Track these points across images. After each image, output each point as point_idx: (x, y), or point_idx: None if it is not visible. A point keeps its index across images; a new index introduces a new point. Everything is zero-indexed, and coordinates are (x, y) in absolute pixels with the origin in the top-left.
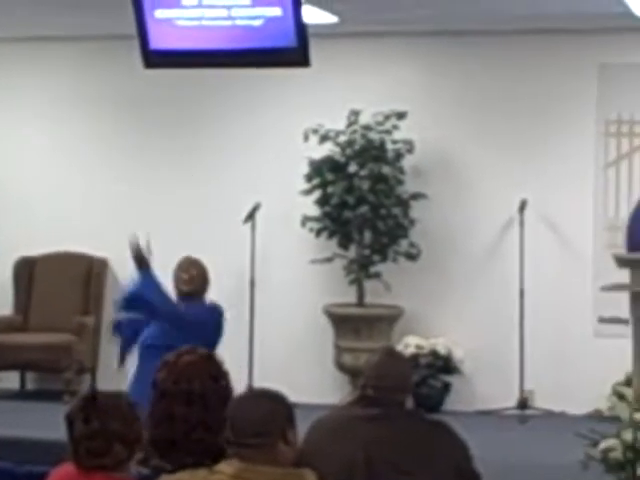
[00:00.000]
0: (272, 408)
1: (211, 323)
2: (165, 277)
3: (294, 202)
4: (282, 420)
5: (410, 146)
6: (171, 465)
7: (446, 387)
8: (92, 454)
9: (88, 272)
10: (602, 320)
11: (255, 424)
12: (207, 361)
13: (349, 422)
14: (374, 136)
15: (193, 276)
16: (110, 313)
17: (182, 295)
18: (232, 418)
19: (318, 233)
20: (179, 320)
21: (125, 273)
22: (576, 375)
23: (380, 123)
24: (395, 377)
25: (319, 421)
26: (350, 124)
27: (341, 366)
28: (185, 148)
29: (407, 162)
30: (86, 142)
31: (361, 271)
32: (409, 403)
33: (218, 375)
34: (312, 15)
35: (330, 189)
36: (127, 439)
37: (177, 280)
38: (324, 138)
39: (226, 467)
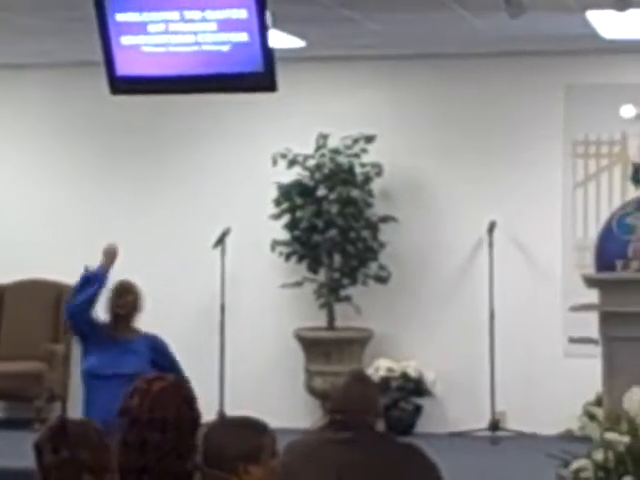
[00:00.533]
0: (242, 438)
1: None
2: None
3: (263, 227)
4: (258, 447)
5: (379, 169)
6: None
7: (417, 410)
8: None
9: (58, 299)
10: (572, 340)
11: (223, 456)
12: (179, 387)
13: (320, 446)
14: (343, 160)
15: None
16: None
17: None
18: (204, 448)
19: (287, 257)
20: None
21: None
22: (547, 395)
23: (349, 147)
24: (362, 400)
25: (290, 445)
26: (318, 148)
27: (312, 390)
28: (154, 173)
29: (376, 185)
30: (55, 170)
31: (331, 295)
32: (380, 426)
33: (192, 401)
34: (279, 39)
35: (299, 213)
36: (96, 468)
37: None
38: (292, 162)
39: None
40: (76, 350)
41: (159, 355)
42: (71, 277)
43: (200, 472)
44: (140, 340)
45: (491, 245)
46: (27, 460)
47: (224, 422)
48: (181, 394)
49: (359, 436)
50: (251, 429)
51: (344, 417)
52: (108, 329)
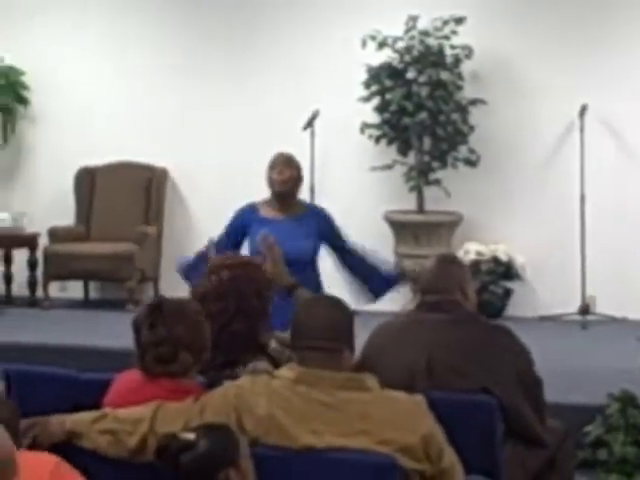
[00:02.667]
0: (341, 315)
1: None
2: (227, 185)
3: (353, 109)
4: (349, 328)
5: (469, 51)
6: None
7: (507, 293)
8: (159, 360)
9: (149, 182)
10: None
11: (325, 329)
12: (246, 267)
13: (411, 327)
14: (432, 42)
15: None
16: (170, 224)
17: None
18: (300, 322)
19: (377, 140)
20: None
21: (185, 183)
22: (637, 280)
23: (438, 29)
24: (453, 282)
25: (381, 327)
26: (408, 30)
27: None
28: (243, 58)
29: (466, 68)
30: (148, 53)
31: (420, 178)
32: (473, 308)
33: (247, 263)
34: None
35: (388, 96)
36: (193, 346)
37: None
38: (382, 44)
39: (287, 372)
40: (167, 231)
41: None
42: (160, 160)
43: (299, 349)
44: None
45: (582, 129)
46: (120, 340)
47: (317, 300)
48: (234, 264)
49: (448, 315)
50: (341, 306)
51: (435, 298)
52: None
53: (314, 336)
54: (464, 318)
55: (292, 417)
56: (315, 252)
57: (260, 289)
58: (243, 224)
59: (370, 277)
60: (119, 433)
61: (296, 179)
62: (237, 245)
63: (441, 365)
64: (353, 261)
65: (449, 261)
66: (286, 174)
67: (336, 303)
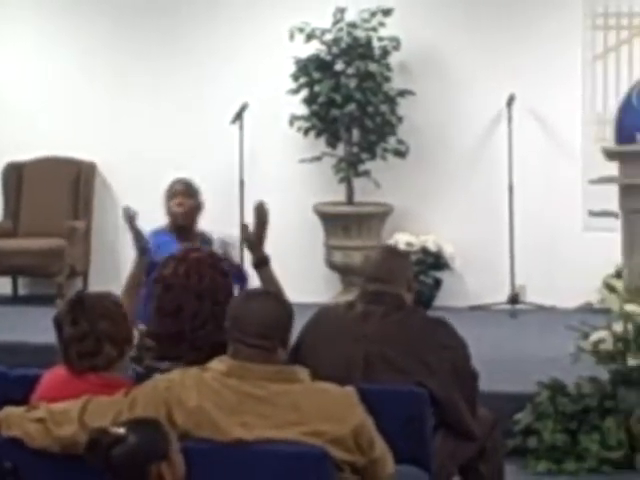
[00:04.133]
0: (278, 312)
1: None
2: (156, 179)
3: (281, 101)
4: (286, 325)
5: (397, 43)
6: (174, 360)
7: (437, 283)
8: (83, 355)
9: (77, 176)
10: (592, 214)
11: (261, 326)
12: (215, 259)
13: (348, 318)
14: (360, 34)
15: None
16: (99, 218)
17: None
18: (236, 316)
19: (306, 132)
20: None
21: (113, 177)
22: (566, 269)
23: (366, 20)
24: (394, 272)
25: (317, 317)
26: (336, 22)
27: (332, 264)
28: (170, 51)
29: (394, 59)
30: (74, 48)
31: (350, 169)
32: (410, 301)
33: (226, 272)
34: None
35: (317, 88)
36: (116, 339)
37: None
38: (310, 37)
39: (218, 364)
40: (96, 226)
41: None
42: (88, 154)
43: (234, 343)
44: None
45: (510, 119)
46: (50, 335)
47: (256, 294)
48: (217, 265)
49: (388, 309)
50: (280, 301)
51: (376, 287)
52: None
53: (248, 332)
54: (404, 312)
55: (222, 410)
56: None
57: (217, 294)
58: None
59: None
60: (49, 422)
61: (196, 208)
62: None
63: (378, 359)
64: None
65: (396, 253)
66: (186, 205)
67: (274, 299)
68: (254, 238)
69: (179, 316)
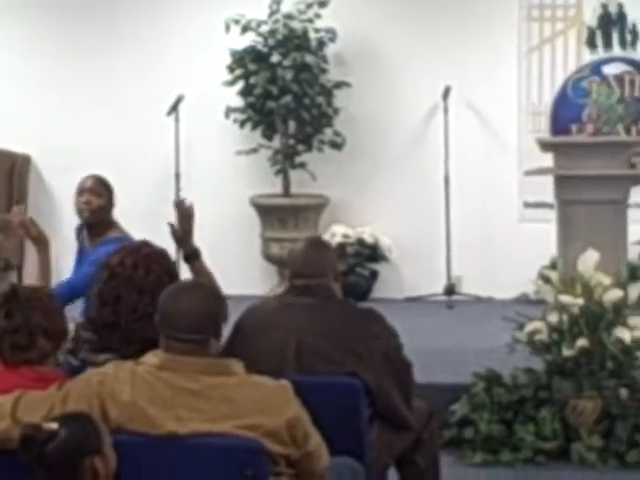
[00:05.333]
0: (210, 304)
1: None
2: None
3: (217, 93)
4: (217, 317)
5: (333, 34)
6: (108, 351)
7: (374, 275)
8: (16, 348)
9: (11, 169)
10: (527, 205)
11: (192, 320)
12: (165, 256)
13: (281, 311)
14: (296, 25)
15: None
16: (33, 211)
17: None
18: (166, 310)
19: (242, 124)
20: None
21: (48, 169)
22: (502, 260)
23: (302, 12)
24: (320, 265)
25: (250, 311)
26: (272, 13)
27: (268, 256)
28: (105, 43)
29: (330, 51)
30: (7, 40)
31: (286, 161)
32: (338, 292)
33: (174, 274)
34: None
35: (253, 80)
36: (50, 332)
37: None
38: (246, 28)
39: (151, 358)
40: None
41: None
42: (24, 146)
43: (165, 337)
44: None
45: (446, 110)
46: None
47: (186, 287)
48: (165, 264)
49: (319, 301)
50: (211, 294)
51: (304, 282)
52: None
53: (179, 327)
54: (334, 303)
55: (156, 404)
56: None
57: (158, 289)
58: None
59: None
60: None
61: (104, 207)
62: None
63: (310, 350)
64: None
65: (319, 245)
66: (94, 203)
67: (203, 291)
68: (180, 234)
69: (117, 306)
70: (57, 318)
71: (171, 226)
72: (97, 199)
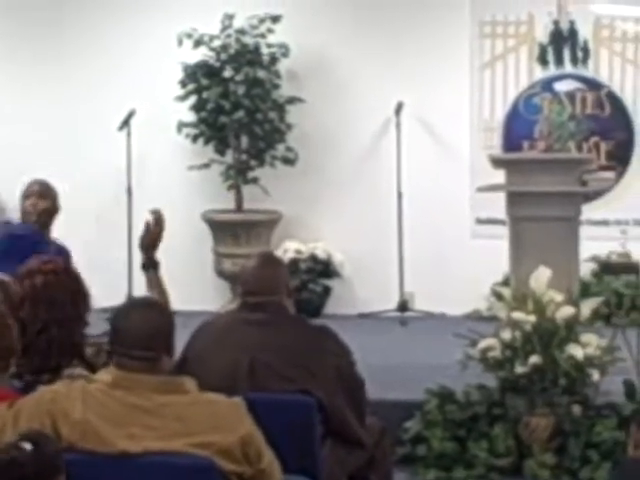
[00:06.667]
0: (159, 321)
1: None
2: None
3: (169, 108)
4: (167, 333)
5: (285, 50)
6: (31, 372)
7: (326, 291)
8: None
9: None
10: (479, 221)
11: (143, 338)
12: (68, 268)
13: (233, 328)
14: (249, 40)
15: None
16: None
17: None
18: (118, 328)
19: (194, 139)
20: None
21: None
22: (455, 276)
23: (254, 27)
24: (273, 282)
25: (203, 327)
26: (224, 28)
27: (221, 272)
28: (55, 55)
29: (282, 66)
30: None
31: (239, 176)
32: (291, 307)
33: (63, 270)
34: None
35: (205, 94)
36: (1, 351)
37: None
38: (198, 43)
39: (104, 376)
40: None
41: None
42: None
43: (116, 355)
44: None
45: (398, 126)
46: None
47: (135, 304)
48: (46, 268)
49: (272, 318)
50: (159, 310)
51: (256, 300)
52: None
53: (130, 344)
54: (287, 320)
55: (108, 422)
56: None
57: (75, 297)
58: None
59: None
60: None
61: (50, 211)
62: None
63: (263, 367)
64: None
65: (271, 262)
66: (40, 206)
67: (154, 308)
68: (149, 240)
69: (22, 328)
70: (7, 336)
71: (147, 226)
72: (43, 202)
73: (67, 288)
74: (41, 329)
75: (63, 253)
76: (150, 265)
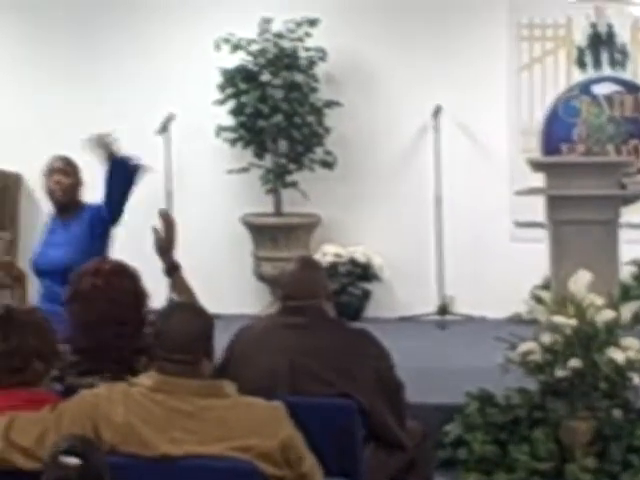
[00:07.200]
0: (199, 325)
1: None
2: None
3: (208, 112)
4: (207, 336)
5: (323, 53)
6: (96, 374)
7: (366, 294)
8: (12, 371)
9: (2, 188)
10: (518, 224)
11: (182, 341)
12: (123, 265)
13: (274, 331)
14: (286, 44)
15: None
16: (25, 229)
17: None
18: (158, 332)
19: (233, 143)
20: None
21: (39, 188)
22: (494, 280)
23: (292, 31)
24: (312, 285)
25: (243, 331)
26: (262, 32)
27: (260, 276)
28: (95, 63)
29: (320, 70)
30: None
31: (277, 180)
32: (330, 310)
33: (135, 275)
34: None
35: (244, 99)
36: (45, 354)
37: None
38: (236, 47)
39: (145, 380)
40: (23, 237)
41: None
42: (14, 165)
43: (158, 358)
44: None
45: (437, 129)
46: None
47: (175, 308)
48: (126, 272)
49: (311, 321)
50: (199, 314)
51: (296, 303)
52: None
53: (170, 349)
54: (327, 323)
55: (150, 425)
56: (71, 262)
57: (136, 302)
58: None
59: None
60: None
61: (75, 186)
62: None
63: (302, 371)
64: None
65: (311, 265)
66: (64, 182)
67: (193, 311)
68: (164, 243)
69: (100, 328)
70: (50, 340)
71: (155, 232)
72: (67, 178)
73: (127, 291)
74: (94, 329)
75: (102, 210)
76: (172, 269)
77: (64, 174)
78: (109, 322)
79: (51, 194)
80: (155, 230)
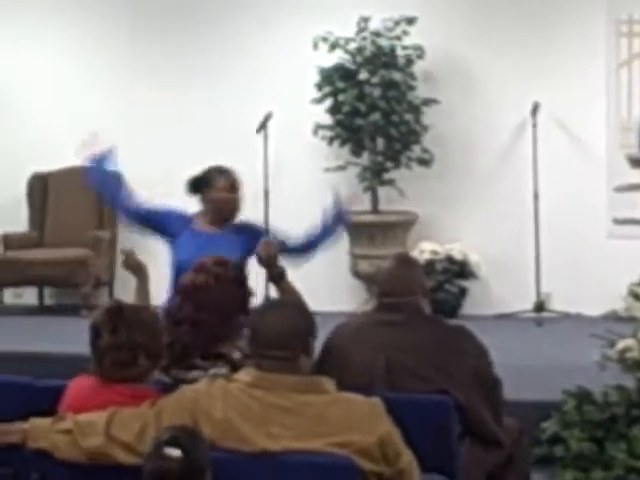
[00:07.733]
0: (294, 321)
1: None
2: (178, 189)
3: (305, 111)
4: (306, 333)
5: (420, 52)
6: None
7: (463, 292)
8: (118, 365)
9: None
10: (616, 221)
11: (278, 337)
12: (235, 268)
13: (370, 328)
14: (384, 42)
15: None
16: (123, 228)
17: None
18: (255, 329)
19: (330, 141)
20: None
21: (137, 187)
22: (591, 277)
23: (390, 29)
24: (409, 282)
25: (340, 327)
26: (360, 31)
27: (356, 273)
28: (194, 63)
29: (418, 68)
30: (98, 56)
31: (374, 178)
32: (427, 308)
33: (244, 281)
34: None
35: (341, 97)
36: (151, 351)
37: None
38: (334, 46)
39: (244, 376)
40: (121, 235)
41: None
42: (115, 166)
43: (255, 356)
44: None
45: (535, 126)
46: (75, 345)
47: (272, 305)
48: (238, 278)
49: (408, 318)
50: (297, 310)
51: (392, 300)
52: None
53: (268, 345)
54: (424, 320)
55: (249, 421)
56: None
57: (240, 306)
58: (172, 223)
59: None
60: (75, 434)
61: (241, 199)
62: (147, 222)
63: (399, 367)
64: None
65: (407, 262)
66: (234, 197)
67: (289, 307)
68: (265, 259)
69: (197, 328)
70: (158, 339)
71: (257, 255)
72: (237, 193)
73: (234, 297)
74: (216, 336)
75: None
76: (277, 276)
77: (235, 190)
78: (217, 320)
79: (225, 205)
80: (257, 254)
